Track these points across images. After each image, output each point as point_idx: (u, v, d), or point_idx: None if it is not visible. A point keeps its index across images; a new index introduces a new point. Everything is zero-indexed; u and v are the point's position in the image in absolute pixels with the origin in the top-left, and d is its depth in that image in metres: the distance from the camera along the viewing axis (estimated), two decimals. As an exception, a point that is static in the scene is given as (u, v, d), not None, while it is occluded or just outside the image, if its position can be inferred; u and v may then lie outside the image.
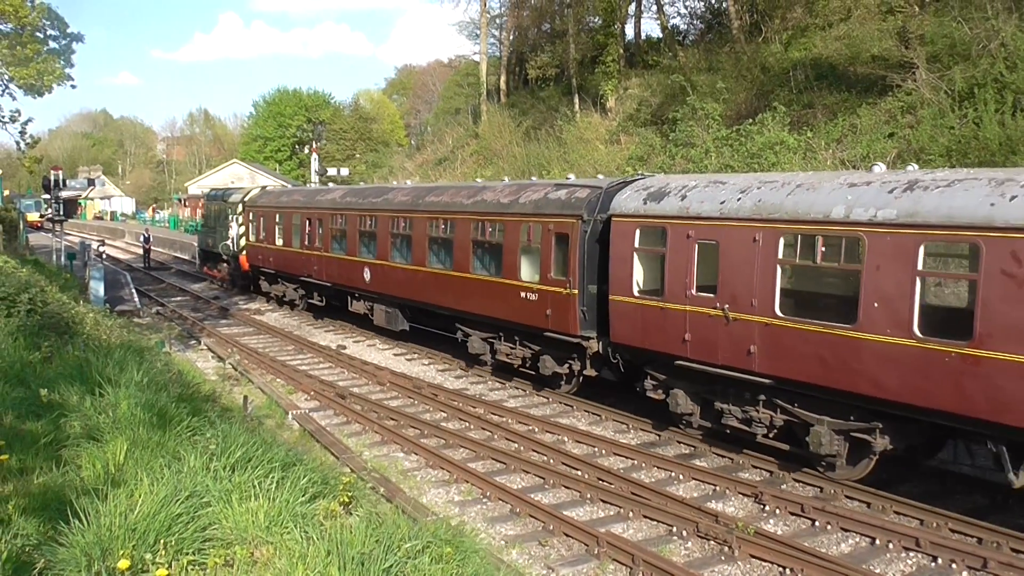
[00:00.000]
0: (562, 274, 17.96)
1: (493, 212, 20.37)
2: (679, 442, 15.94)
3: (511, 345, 20.33)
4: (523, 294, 19.05)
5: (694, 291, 14.88)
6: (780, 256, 13.47)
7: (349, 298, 28.23)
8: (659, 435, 16.38)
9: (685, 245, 15.06)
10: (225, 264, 39.99)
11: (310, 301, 31.73)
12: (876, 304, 12.07)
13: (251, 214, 36.10)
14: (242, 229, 36.73)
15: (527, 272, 19.18)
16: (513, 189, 20.57)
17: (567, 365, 18.66)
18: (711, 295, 14.56)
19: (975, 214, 11.05)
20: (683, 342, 15.05)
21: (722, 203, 14.55)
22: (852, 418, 12.89)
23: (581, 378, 18.75)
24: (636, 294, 16.15)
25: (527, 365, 20.10)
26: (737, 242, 14.09)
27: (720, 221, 14.43)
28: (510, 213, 19.74)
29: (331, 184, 52.01)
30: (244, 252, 36.78)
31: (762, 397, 14.17)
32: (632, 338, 16.31)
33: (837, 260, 12.85)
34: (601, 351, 17.43)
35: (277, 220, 33.37)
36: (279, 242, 33.13)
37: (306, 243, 30.58)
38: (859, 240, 12.37)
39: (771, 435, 14.34)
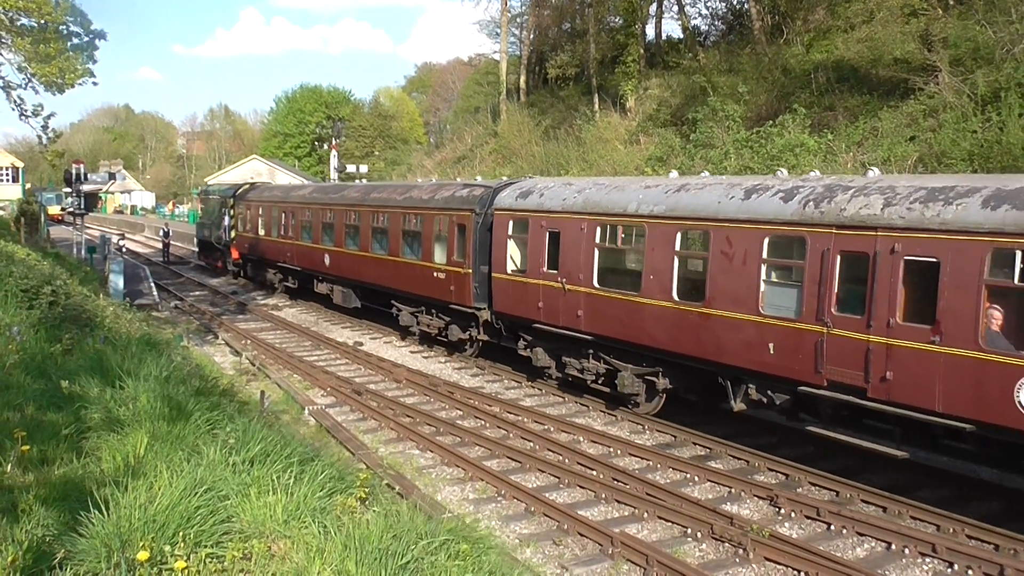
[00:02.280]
0: (461, 257, 21.90)
1: (416, 206, 24.50)
2: (694, 443, 15.93)
3: (430, 317, 24.16)
4: (435, 274, 23.04)
5: (545, 269, 18.70)
6: (597, 241, 17.40)
7: (315, 280, 32.13)
8: (674, 437, 16.37)
9: (540, 233, 18.94)
10: (219, 253, 43.59)
11: (286, 284, 35.96)
12: (652, 277, 15.94)
13: (239, 207, 40.00)
14: (233, 221, 40.60)
15: (439, 256, 23.05)
16: (433, 188, 24.80)
17: (468, 332, 22.61)
18: (555, 272, 18.37)
19: (708, 209, 14.97)
20: (538, 309, 18.91)
21: (564, 200, 18.52)
22: (644, 365, 16.74)
23: (480, 343, 22.75)
24: (510, 272, 20.06)
25: (442, 334, 23.84)
26: (572, 230, 17.98)
27: (561, 214, 18.39)
28: (428, 207, 23.80)
29: (345, 181, 52.47)
30: (234, 242, 40.60)
31: (590, 351, 17.98)
32: (507, 307, 20.23)
33: (631, 243, 16.93)
34: (490, 319, 21.28)
35: (260, 213, 37.36)
36: (261, 232, 37.10)
37: (282, 233, 34.71)
38: (643, 228, 16.24)
39: (599, 381, 18.04)
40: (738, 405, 14.90)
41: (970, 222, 11.23)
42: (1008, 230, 10.83)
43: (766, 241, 13.86)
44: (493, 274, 20.57)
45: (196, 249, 50.47)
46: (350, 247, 28.54)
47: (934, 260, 11.58)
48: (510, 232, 20.01)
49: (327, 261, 30.20)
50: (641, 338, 16.26)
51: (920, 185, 12.32)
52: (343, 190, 31.61)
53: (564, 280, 18.01)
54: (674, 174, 17.36)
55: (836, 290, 12.77)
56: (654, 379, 16.63)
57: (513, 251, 20.08)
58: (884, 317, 12.01)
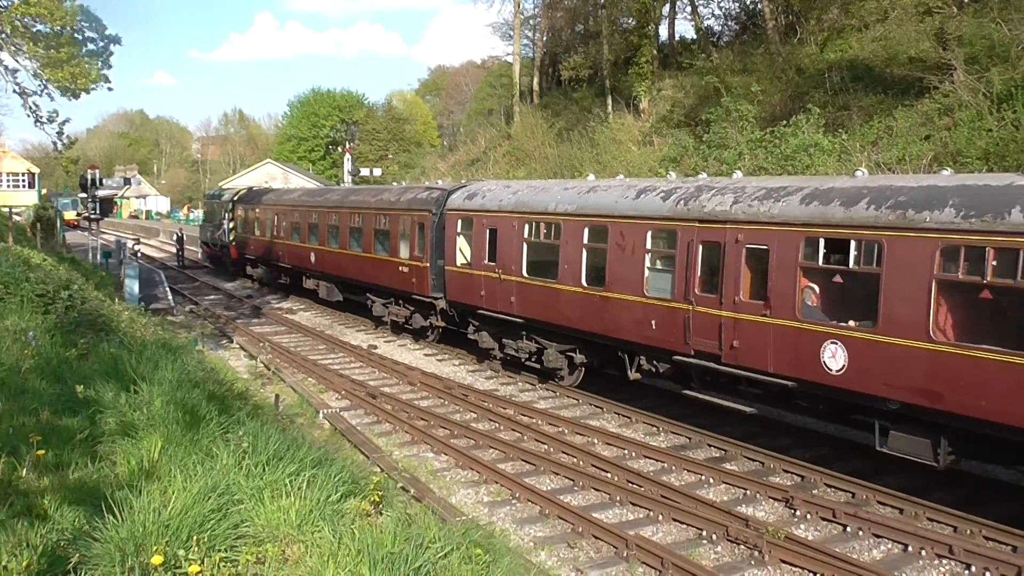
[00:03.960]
0: (421, 252, 24.52)
1: (386, 208, 27.31)
2: (709, 445, 15.88)
3: (398, 307, 26.77)
4: (401, 268, 25.69)
5: (486, 261, 21.17)
6: (525, 236, 19.95)
7: (303, 277, 34.87)
8: (689, 438, 16.33)
9: (482, 230, 21.49)
10: (221, 253, 46.50)
11: (279, 281, 38.87)
12: (566, 266, 18.47)
13: (238, 211, 42.95)
14: (232, 224, 43.53)
15: (403, 252, 25.69)
16: (401, 191, 28.05)
17: (429, 320, 25.30)
18: (494, 264, 20.83)
19: (607, 207, 17.58)
20: (481, 297, 21.40)
21: (500, 200, 21.11)
22: (564, 343, 19.28)
23: (439, 330, 25.42)
24: (459, 265, 22.52)
25: (407, 322, 26.42)
26: (506, 227, 20.53)
27: (498, 213, 20.90)
28: (395, 209, 26.58)
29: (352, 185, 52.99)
30: (233, 243, 43.54)
31: (523, 333, 20.42)
32: (458, 296, 22.77)
33: (551, 238, 19.24)
34: (446, 307, 23.81)
35: (255, 215, 40.39)
36: (257, 233, 40.04)
37: (274, 234, 37.48)
38: (560, 224, 18.79)
39: (531, 359, 20.39)
40: (633, 375, 17.64)
41: (790, 216, 13.71)
42: (815, 222, 13.30)
43: (649, 234, 16.51)
44: (446, 267, 23.19)
45: (200, 251, 53.88)
46: (332, 246, 31.33)
47: (765, 247, 14.04)
48: (459, 229, 22.66)
49: (313, 259, 33.05)
50: (559, 320, 18.86)
51: (763, 186, 14.83)
52: (326, 194, 35.47)
53: (500, 271, 20.60)
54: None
55: (699, 274, 15.28)
56: (572, 355, 19.27)
57: (462, 246, 22.60)
58: (732, 296, 14.54)
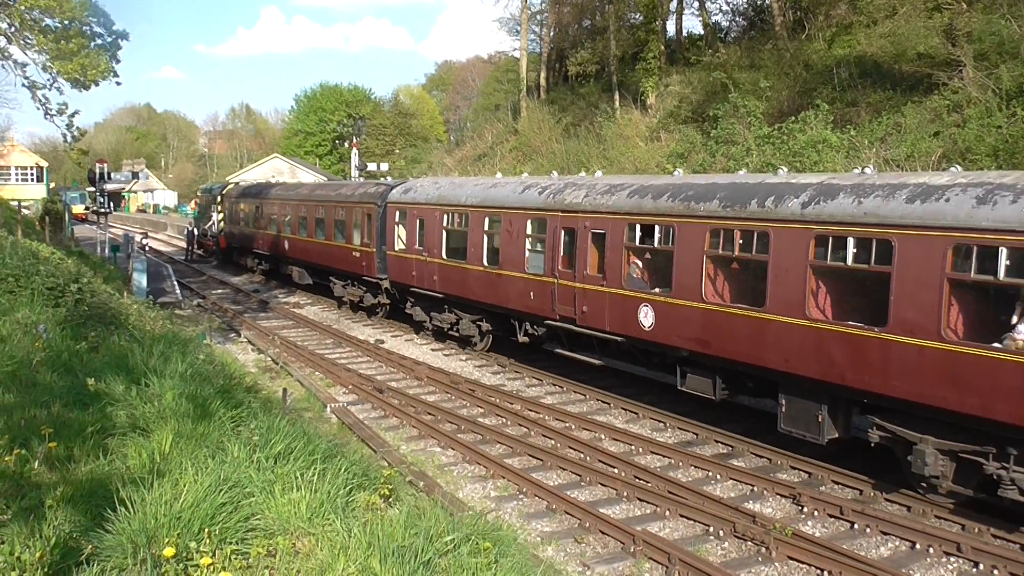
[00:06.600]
0: (369, 239, 28.22)
1: (343, 201, 31.10)
2: (717, 441, 15.88)
3: (354, 288, 30.52)
4: (354, 253, 29.44)
5: (416, 246, 24.77)
6: (445, 225, 23.53)
7: (279, 263, 38.84)
8: (696, 434, 16.33)
9: (413, 219, 25.17)
10: (211, 242, 50.78)
11: (261, 268, 42.38)
12: (473, 249, 21.93)
13: (225, 204, 46.66)
14: (220, 216, 47.35)
15: (356, 239, 29.37)
16: (356, 186, 32.30)
17: (378, 299, 28.87)
18: (422, 248, 24.42)
19: (501, 200, 21.17)
20: (413, 276, 25.03)
21: (428, 195, 24.83)
22: (475, 313, 22.85)
23: (387, 307, 28.91)
24: (397, 250, 26.19)
25: (361, 301, 30.00)
26: (431, 217, 24.15)
27: (425, 205, 24.61)
28: (350, 201, 30.45)
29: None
30: (222, 233, 47.40)
31: (445, 306, 24.08)
32: (397, 277, 26.40)
33: (463, 226, 22.66)
34: (389, 287, 27.44)
35: (240, 207, 44.10)
36: (241, 224, 43.79)
37: (255, 224, 41.23)
38: (469, 214, 22.34)
39: (452, 329, 23.94)
40: (522, 338, 21.06)
41: (619, 206, 17.20)
42: (635, 211, 16.81)
43: (528, 222, 19.93)
44: (388, 252, 26.75)
45: (195, 240, 56.78)
46: (302, 234, 35.06)
47: (603, 232, 17.50)
48: (397, 220, 26.32)
49: (287, 247, 36.71)
50: (469, 294, 22.33)
51: (609, 183, 18.25)
52: (297, 188, 39.59)
53: (426, 254, 24.05)
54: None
55: (561, 254, 18.71)
56: (481, 324, 22.84)
57: (400, 233, 26.11)
58: (582, 271, 18.00)
